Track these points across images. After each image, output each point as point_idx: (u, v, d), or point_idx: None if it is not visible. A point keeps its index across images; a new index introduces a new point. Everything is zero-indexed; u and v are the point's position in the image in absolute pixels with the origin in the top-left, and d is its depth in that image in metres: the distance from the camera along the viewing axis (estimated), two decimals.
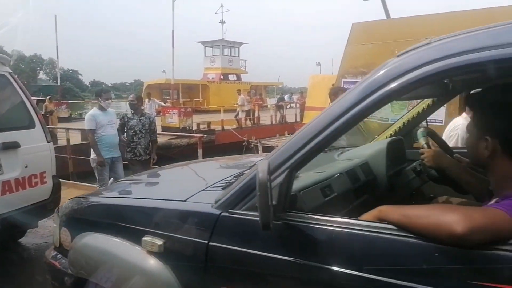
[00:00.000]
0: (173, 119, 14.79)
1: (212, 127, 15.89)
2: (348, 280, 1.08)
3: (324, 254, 1.16)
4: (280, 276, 1.24)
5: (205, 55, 33.80)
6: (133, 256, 1.54)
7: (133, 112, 5.30)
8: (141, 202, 1.73)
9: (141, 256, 1.51)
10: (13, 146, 3.44)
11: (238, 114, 17.79)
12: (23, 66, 45.96)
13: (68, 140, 8.02)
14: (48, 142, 3.82)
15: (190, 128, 14.65)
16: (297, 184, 1.62)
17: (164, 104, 18.75)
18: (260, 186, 1.06)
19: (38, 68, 56.68)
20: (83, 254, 1.74)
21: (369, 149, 2.11)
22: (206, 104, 26.94)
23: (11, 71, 3.66)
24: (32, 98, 4.16)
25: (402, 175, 2.02)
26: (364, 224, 1.13)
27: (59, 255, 1.96)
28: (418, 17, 6.02)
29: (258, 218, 1.13)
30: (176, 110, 15.22)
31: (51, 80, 50.36)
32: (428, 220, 0.98)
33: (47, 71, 58.13)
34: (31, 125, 3.69)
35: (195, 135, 9.02)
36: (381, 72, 1.16)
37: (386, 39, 5.59)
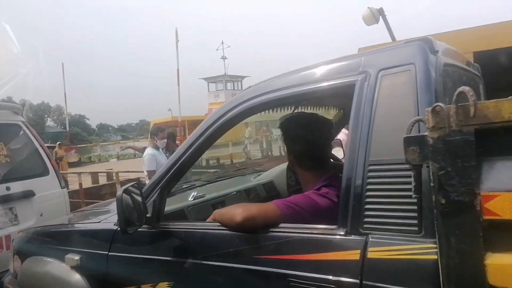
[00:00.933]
0: None
1: (221, 161, 16.34)
2: (189, 267, 1.50)
3: (179, 250, 1.60)
4: (157, 272, 1.65)
5: (208, 91, 35.10)
6: (58, 271, 1.98)
7: (165, 149, 5.37)
8: (67, 227, 2.19)
9: (65, 270, 1.95)
10: (29, 195, 3.71)
11: (246, 147, 18.39)
12: (31, 115, 48.43)
13: (80, 184, 8.54)
14: (62, 188, 4.09)
15: (200, 164, 15.19)
16: (193, 201, 2.08)
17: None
18: (117, 201, 1.51)
19: (46, 115, 59.69)
20: (26, 275, 2.19)
21: (276, 170, 2.54)
22: None
23: (24, 120, 4.00)
24: None
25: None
26: (205, 224, 1.57)
27: (14, 280, 2.41)
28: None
29: (141, 229, 1.61)
30: None
31: (58, 126, 52.89)
32: (227, 215, 1.42)
33: (55, 117, 61.21)
34: (45, 173, 3.98)
35: (208, 170, 9.31)
36: (221, 107, 1.64)
37: None
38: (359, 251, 1.12)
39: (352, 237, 1.15)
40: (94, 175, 11.53)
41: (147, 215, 1.64)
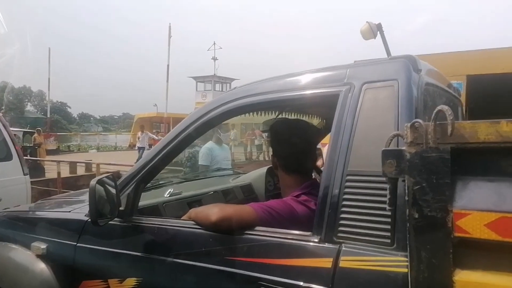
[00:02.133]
0: None
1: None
2: (159, 264, 1.47)
3: (151, 246, 1.56)
4: (126, 267, 1.61)
5: (196, 90, 34.90)
6: (23, 259, 1.91)
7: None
8: (35, 214, 2.12)
9: (29, 258, 1.88)
10: None
11: (230, 149, 18.24)
12: (11, 98, 47.17)
13: (59, 173, 8.30)
14: (24, 175, 3.98)
15: (182, 161, 15.02)
16: (169, 198, 2.05)
17: (157, 138, 19.27)
18: (89, 191, 1.47)
19: (26, 100, 58.13)
20: None
21: (255, 173, 2.54)
22: None
23: None
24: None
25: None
26: (179, 222, 1.54)
27: None
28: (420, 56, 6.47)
29: (113, 222, 1.56)
30: None
31: (38, 112, 51.64)
32: (202, 214, 1.40)
33: (35, 103, 59.72)
34: (8, 157, 3.86)
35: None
36: (204, 106, 1.62)
37: None
38: (331, 259, 1.12)
39: (326, 245, 1.15)
40: (73, 165, 11.23)
41: (120, 208, 1.60)
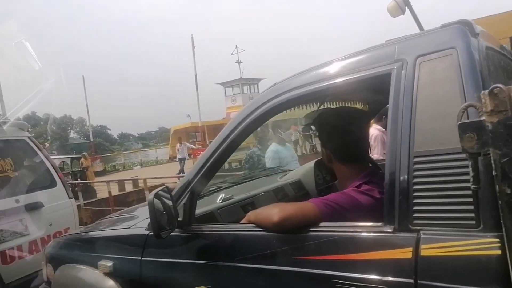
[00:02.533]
0: None
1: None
2: (226, 270, 1.44)
3: (215, 253, 1.53)
4: (193, 276, 1.59)
5: (225, 95, 35.26)
6: (92, 278, 1.95)
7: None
8: (97, 234, 2.17)
9: (98, 277, 1.92)
10: (37, 206, 3.83)
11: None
12: (55, 128, 49.78)
13: (109, 192, 8.87)
14: (70, 198, 4.21)
15: (223, 167, 15.17)
16: (222, 203, 2.03)
17: (195, 147, 19.65)
18: (148, 206, 1.46)
19: (69, 128, 61.16)
20: (60, 282, 2.18)
21: (303, 169, 2.46)
22: None
23: (30, 135, 4.18)
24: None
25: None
26: (239, 226, 1.50)
27: None
28: None
29: (173, 233, 1.56)
30: None
31: (81, 138, 54.17)
32: (263, 215, 1.35)
33: (77, 129, 62.70)
34: (53, 184, 4.12)
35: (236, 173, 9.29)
36: (248, 105, 1.58)
37: None
38: (411, 249, 1.03)
39: (402, 234, 1.07)
40: (121, 183, 11.78)
41: (179, 219, 1.60)
